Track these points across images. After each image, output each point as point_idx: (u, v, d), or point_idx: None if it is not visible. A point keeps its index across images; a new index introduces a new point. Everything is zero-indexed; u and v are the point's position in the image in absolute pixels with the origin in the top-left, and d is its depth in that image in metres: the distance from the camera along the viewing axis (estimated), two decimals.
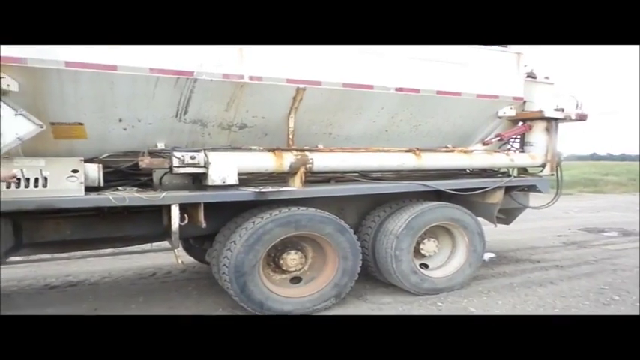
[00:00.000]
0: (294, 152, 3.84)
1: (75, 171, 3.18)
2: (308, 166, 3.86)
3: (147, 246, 4.16)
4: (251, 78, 3.49)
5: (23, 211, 3.10)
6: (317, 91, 3.79)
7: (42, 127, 2.99)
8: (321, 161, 3.94)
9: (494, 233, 7.21)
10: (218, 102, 3.57)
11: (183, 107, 3.50)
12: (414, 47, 4.09)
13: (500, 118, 4.82)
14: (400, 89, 4.09)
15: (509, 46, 4.51)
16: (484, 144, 4.90)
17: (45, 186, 3.06)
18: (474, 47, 4.36)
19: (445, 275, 4.69)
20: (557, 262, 6.02)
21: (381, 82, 4.01)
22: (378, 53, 3.95)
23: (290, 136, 3.92)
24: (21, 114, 2.91)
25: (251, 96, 3.62)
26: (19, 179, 2.91)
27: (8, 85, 2.82)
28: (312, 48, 3.71)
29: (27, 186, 3.01)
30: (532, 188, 5.20)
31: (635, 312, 4.14)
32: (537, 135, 4.95)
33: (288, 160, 3.78)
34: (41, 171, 3.05)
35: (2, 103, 2.85)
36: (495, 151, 4.94)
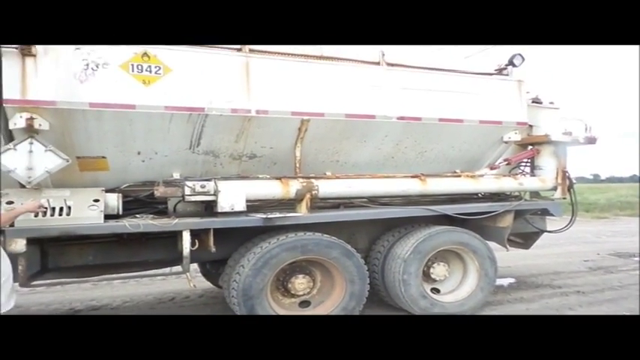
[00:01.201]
0: (300, 179, 4.03)
1: (96, 200, 3.48)
2: (314, 192, 4.03)
3: (167, 270, 4.37)
4: (258, 112, 3.75)
5: (48, 238, 3.40)
6: (321, 121, 4.00)
7: (68, 161, 3.32)
8: (327, 188, 4.10)
9: (517, 258, 7.09)
10: (228, 134, 3.83)
11: (196, 140, 3.78)
12: (414, 78, 4.27)
13: (506, 142, 4.89)
14: (402, 118, 4.26)
15: (510, 73, 4.63)
16: (491, 168, 4.94)
17: (68, 214, 3.36)
18: (474, 76, 4.51)
19: (456, 300, 4.68)
20: (579, 288, 5.86)
21: (383, 112, 4.19)
22: (379, 85, 4.15)
23: (297, 165, 4.12)
24: (50, 150, 3.24)
25: (259, 128, 3.87)
26: (45, 208, 3.21)
27: (40, 125, 3.17)
28: (315, 82, 3.95)
29: (52, 214, 3.31)
30: (545, 212, 5.17)
31: None
32: (546, 158, 4.97)
33: (294, 187, 3.97)
34: (65, 200, 3.36)
35: (34, 140, 3.19)
36: (503, 175, 4.98)
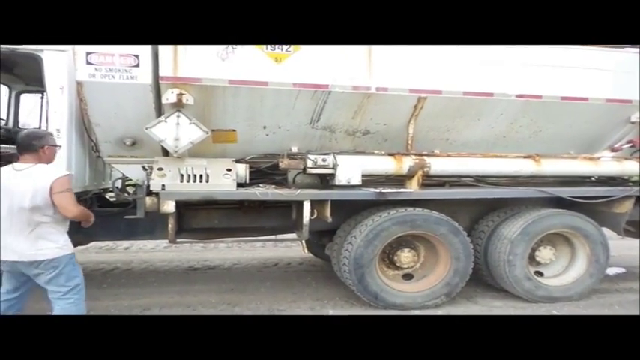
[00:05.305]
0: (413, 157, 4.10)
1: (229, 170, 3.82)
2: (425, 169, 4.09)
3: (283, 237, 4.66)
4: (377, 89, 3.83)
5: (187, 202, 3.80)
6: (437, 99, 4.00)
7: (207, 133, 3.65)
8: (438, 165, 4.14)
9: (622, 248, 6.67)
10: (347, 111, 3.97)
11: (317, 116, 3.96)
12: (536, 52, 4.09)
13: (633, 123, 4.56)
14: (521, 96, 4.13)
15: None
16: (612, 150, 4.65)
17: (207, 181, 3.72)
18: (603, 50, 4.20)
19: (562, 284, 4.57)
20: None
21: (502, 89, 4.08)
22: (498, 61, 4.03)
23: (409, 142, 4.18)
24: (193, 123, 3.59)
25: (376, 105, 3.96)
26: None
27: (187, 100, 3.50)
28: (434, 59, 3.93)
29: (195, 181, 3.70)
30: None
31: None
32: None
33: (407, 163, 4.05)
34: (205, 169, 3.72)
35: (181, 114, 3.55)
36: (626, 158, 4.67)
